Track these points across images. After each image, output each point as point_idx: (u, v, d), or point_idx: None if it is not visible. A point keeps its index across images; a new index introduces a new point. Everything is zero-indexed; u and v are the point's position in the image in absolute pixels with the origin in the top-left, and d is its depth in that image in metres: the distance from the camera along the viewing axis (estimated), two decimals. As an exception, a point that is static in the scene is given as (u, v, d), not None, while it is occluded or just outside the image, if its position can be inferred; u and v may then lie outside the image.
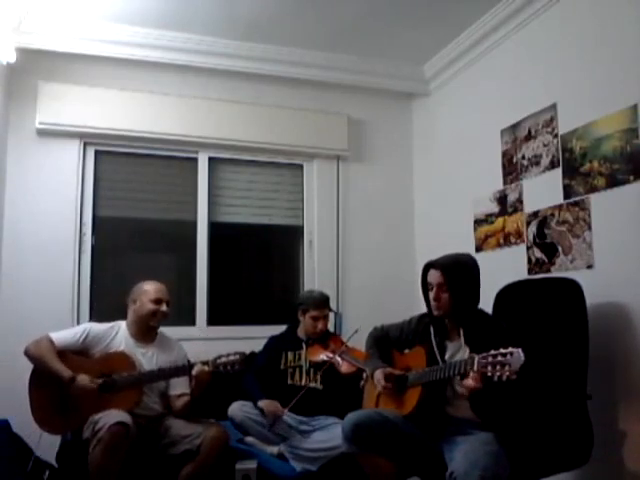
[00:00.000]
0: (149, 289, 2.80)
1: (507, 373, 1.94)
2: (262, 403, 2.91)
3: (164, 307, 2.79)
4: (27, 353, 2.66)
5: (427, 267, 2.43)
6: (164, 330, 2.92)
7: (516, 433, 2.27)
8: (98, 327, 2.79)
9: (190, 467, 2.53)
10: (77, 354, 2.69)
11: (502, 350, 1.97)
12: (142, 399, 2.63)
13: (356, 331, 3.03)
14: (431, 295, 2.37)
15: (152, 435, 2.63)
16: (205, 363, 2.61)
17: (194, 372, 2.61)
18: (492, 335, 2.20)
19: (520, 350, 1.95)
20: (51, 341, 2.66)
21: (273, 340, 3.30)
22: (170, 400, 2.76)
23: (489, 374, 1.98)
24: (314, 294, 3.26)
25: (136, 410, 2.58)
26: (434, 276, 2.36)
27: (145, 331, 2.80)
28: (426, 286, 2.43)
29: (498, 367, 1.96)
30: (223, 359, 2.61)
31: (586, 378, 2.40)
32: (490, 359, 1.99)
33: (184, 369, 2.64)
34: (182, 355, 2.84)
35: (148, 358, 2.74)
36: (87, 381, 2.55)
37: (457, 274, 2.33)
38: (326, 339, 3.20)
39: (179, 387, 2.75)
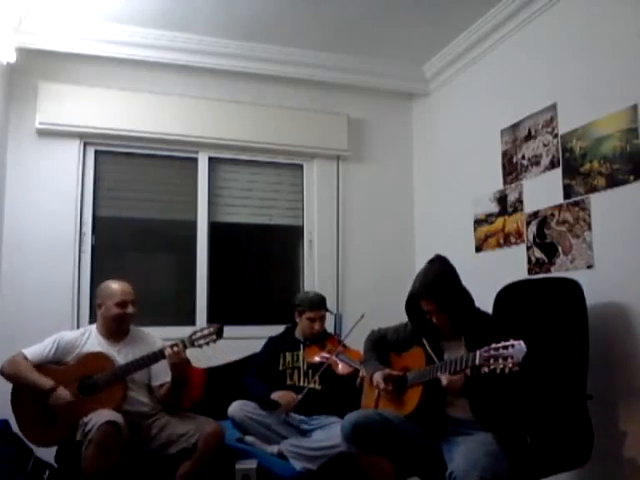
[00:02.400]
0: (113, 292, 2.75)
1: (510, 365, 1.95)
2: (276, 395, 2.93)
3: (130, 309, 2.75)
4: (3, 372, 2.64)
5: (413, 297, 2.41)
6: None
7: (516, 431, 2.28)
8: (68, 335, 2.79)
9: (187, 465, 2.53)
10: (55, 364, 2.67)
11: (503, 343, 1.98)
12: (127, 394, 2.62)
13: (362, 316, 3.00)
14: (434, 320, 2.36)
15: (146, 434, 2.63)
16: (174, 345, 2.59)
17: (166, 354, 2.59)
18: (491, 333, 2.19)
19: (521, 342, 1.96)
20: (25, 357, 2.64)
21: (272, 341, 3.30)
22: (155, 392, 2.76)
23: (492, 367, 1.98)
24: (310, 295, 3.27)
25: (126, 407, 2.58)
26: (426, 305, 2.36)
27: (117, 331, 2.78)
28: (412, 312, 2.46)
29: (501, 360, 1.97)
30: (198, 334, 2.62)
31: (586, 378, 2.40)
32: (492, 352, 2.00)
33: (156, 355, 2.62)
34: (157, 344, 2.78)
35: (123, 355, 2.73)
36: (66, 395, 2.54)
37: (443, 292, 2.32)
38: (323, 340, 3.20)
39: (161, 377, 2.74)
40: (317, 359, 3.08)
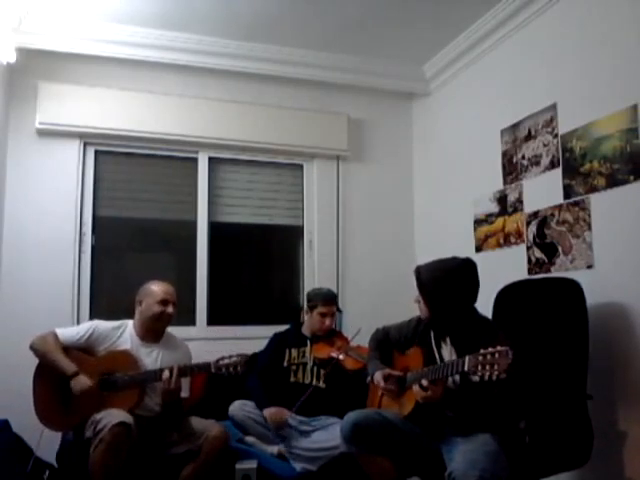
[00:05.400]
0: (156, 290, 2.78)
1: (496, 372, 1.94)
2: (267, 412, 2.89)
3: (170, 309, 2.76)
4: (32, 347, 2.65)
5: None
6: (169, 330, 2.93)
7: (515, 432, 2.28)
8: (104, 325, 2.79)
9: (191, 467, 2.53)
10: (82, 351, 2.69)
11: (490, 349, 1.98)
12: (144, 400, 2.62)
13: (359, 331, 3.02)
14: (420, 308, 2.42)
15: (153, 435, 2.62)
16: (171, 369, 2.56)
17: (163, 377, 2.56)
18: (480, 338, 2.18)
19: (508, 349, 1.95)
20: (56, 336, 2.66)
21: (277, 337, 3.29)
22: None
23: (480, 374, 1.99)
24: (323, 291, 3.28)
25: (138, 411, 2.57)
26: (416, 286, 2.39)
27: (151, 331, 2.79)
28: None
29: (487, 367, 1.97)
30: (225, 361, 2.58)
31: (586, 378, 2.40)
32: (480, 358, 1.99)
33: (155, 375, 2.59)
34: (187, 356, 2.82)
35: (153, 358, 2.74)
36: (88, 382, 2.55)
37: (431, 290, 2.33)
38: (331, 337, 3.21)
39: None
40: (327, 355, 3.07)
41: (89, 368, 2.61)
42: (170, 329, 2.95)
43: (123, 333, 2.77)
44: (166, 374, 2.56)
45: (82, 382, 2.55)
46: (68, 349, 2.65)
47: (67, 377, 2.56)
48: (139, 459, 2.52)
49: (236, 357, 2.58)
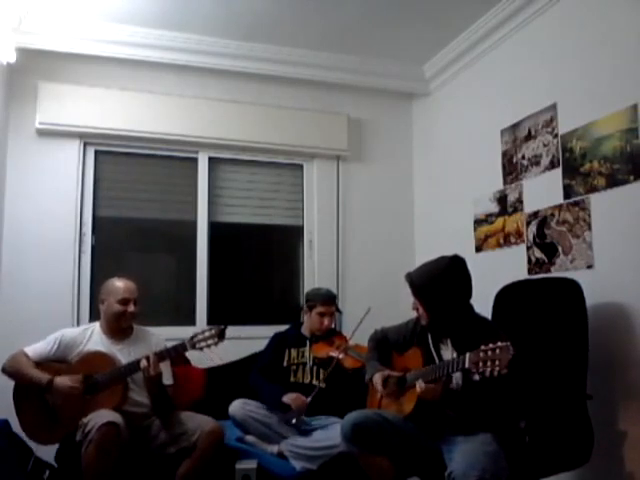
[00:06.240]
0: (116, 289, 2.75)
1: (497, 368, 1.94)
2: (288, 398, 2.90)
3: (131, 307, 2.74)
4: (4, 369, 2.65)
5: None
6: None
7: (515, 431, 2.28)
8: (71, 332, 2.79)
9: (187, 464, 2.53)
10: (56, 362, 2.68)
11: (491, 345, 1.98)
12: (128, 395, 2.61)
13: (368, 310, 2.99)
14: (418, 312, 2.41)
15: (146, 434, 2.62)
16: (148, 357, 2.55)
17: (141, 366, 2.56)
18: (480, 338, 2.17)
19: (509, 344, 1.95)
20: (26, 355, 2.65)
21: (277, 337, 3.30)
22: None
23: (481, 370, 1.99)
24: (322, 291, 3.28)
25: (126, 408, 2.57)
26: (411, 292, 2.39)
27: (117, 330, 2.78)
28: None
29: (489, 363, 1.97)
30: (199, 336, 2.57)
31: (586, 378, 2.40)
32: (481, 355, 2.00)
33: (133, 366, 2.59)
34: (159, 344, 2.78)
35: (125, 355, 2.72)
36: (67, 381, 2.55)
37: (428, 292, 2.32)
38: (331, 336, 3.21)
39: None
40: (326, 355, 3.07)
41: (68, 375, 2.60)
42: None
43: (92, 335, 2.76)
44: (144, 362, 2.55)
45: (62, 384, 2.54)
46: (41, 364, 2.64)
47: (44, 387, 2.55)
48: (134, 456, 2.52)
49: (209, 330, 2.58)
